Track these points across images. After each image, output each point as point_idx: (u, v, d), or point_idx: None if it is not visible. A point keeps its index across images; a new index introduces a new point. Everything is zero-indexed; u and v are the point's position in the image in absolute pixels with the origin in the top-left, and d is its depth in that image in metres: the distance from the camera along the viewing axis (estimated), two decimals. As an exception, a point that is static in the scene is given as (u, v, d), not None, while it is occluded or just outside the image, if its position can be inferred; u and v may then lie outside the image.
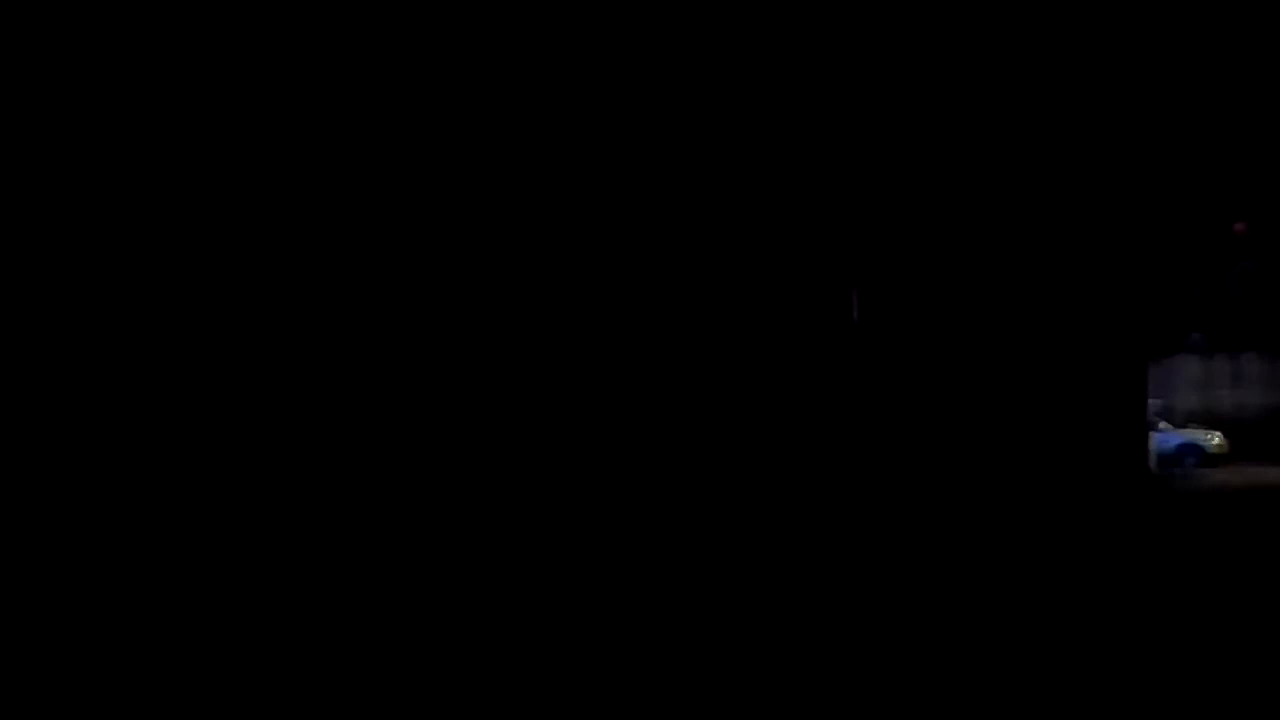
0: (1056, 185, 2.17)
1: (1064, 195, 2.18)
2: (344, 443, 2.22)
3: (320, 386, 2.18)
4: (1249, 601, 2.10)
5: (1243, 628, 1.96)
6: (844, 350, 2.24)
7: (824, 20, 2.05)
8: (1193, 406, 13.40)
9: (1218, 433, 12.05)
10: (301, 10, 1.67)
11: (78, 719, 1.63)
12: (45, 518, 1.99)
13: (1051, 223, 2.18)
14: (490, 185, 1.97)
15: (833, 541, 2.18)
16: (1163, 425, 11.69)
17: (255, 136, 1.64)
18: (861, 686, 1.80)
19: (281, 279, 2.07)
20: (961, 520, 2.15)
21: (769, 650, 1.94)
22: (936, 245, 2.20)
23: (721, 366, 2.22)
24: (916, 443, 2.24)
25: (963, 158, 2.14)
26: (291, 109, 1.68)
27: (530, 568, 2.07)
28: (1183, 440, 11.71)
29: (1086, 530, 2.18)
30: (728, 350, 2.23)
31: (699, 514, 2.13)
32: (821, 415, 2.28)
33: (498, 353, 2.02)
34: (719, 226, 2.21)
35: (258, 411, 2.16)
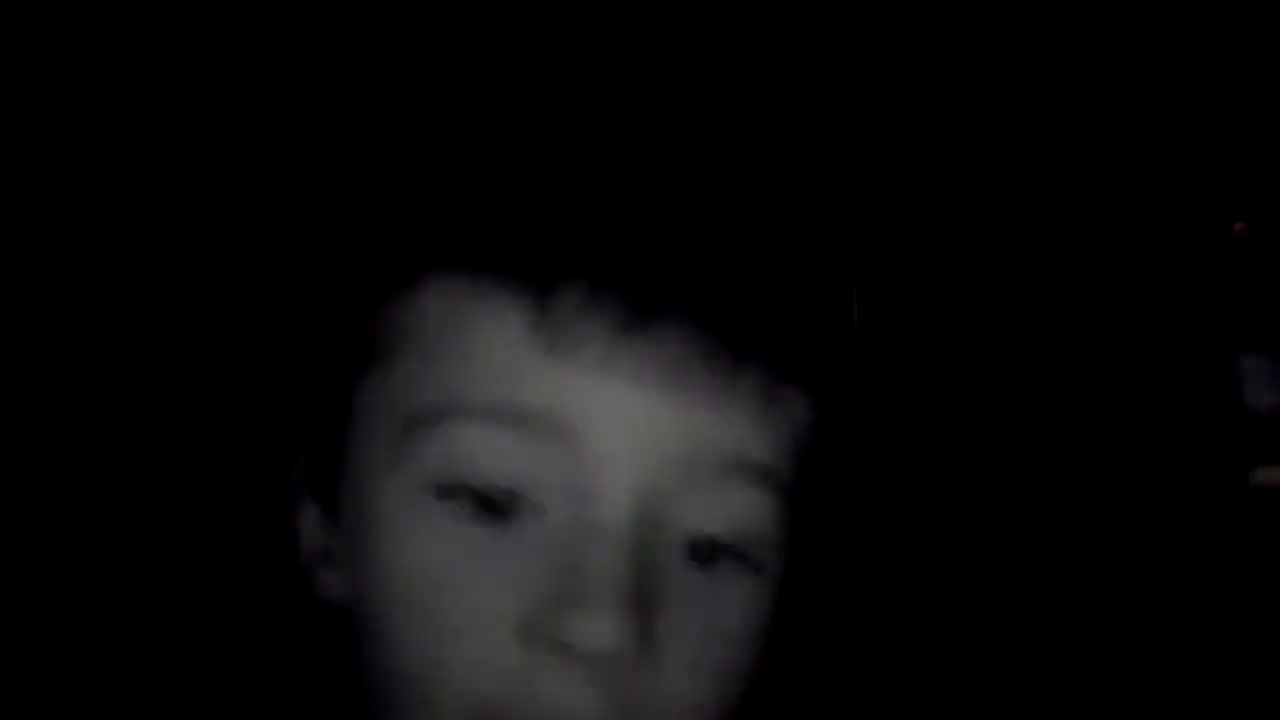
0: (1056, 185, 2.17)
1: (1063, 195, 2.18)
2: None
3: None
4: (1249, 602, 2.09)
5: (1244, 628, 1.96)
6: (843, 350, 2.24)
7: (824, 19, 2.05)
8: (1193, 406, 13.33)
9: (1218, 432, 11.99)
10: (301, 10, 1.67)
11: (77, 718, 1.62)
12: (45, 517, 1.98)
13: (1051, 222, 2.18)
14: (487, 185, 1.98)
15: (836, 545, 2.17)
16: (1163, 425, 11.65)
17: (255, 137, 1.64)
18: (863, 692, 1.80)
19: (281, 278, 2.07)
20: (961, 521, 2.15)
21: (783, 652, 1.93)
22: (935, 244, 2.20)
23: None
24: (914, 442, 2.24)
25: (961, 157, 2.13)
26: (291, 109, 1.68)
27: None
28: (1183, 440, 11.65)
29: (1088, 532, 2.19)
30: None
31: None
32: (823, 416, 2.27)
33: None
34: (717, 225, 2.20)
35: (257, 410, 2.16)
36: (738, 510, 0.42)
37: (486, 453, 0.40)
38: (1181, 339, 2.15)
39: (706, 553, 0.42)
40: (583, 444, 0.40)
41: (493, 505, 0.40)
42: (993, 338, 2.15)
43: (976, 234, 2.15)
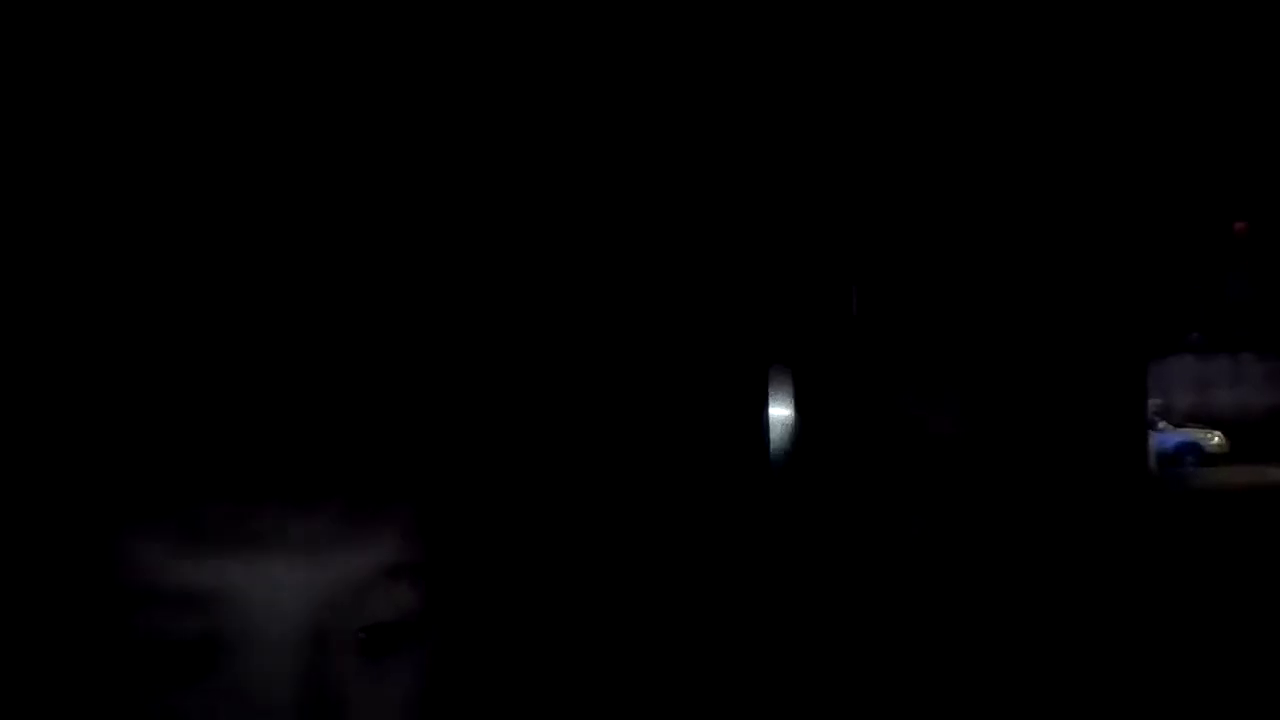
0: (1056, 184, 2.17)
1: (1064, 194, 2.19)
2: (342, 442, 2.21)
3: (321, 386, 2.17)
4: (1249, 602, 2.10)
5: (1243, 629, 1.96)
6: (842, 348, 2.24)
7: (823, 18, 2.05)
8: (1193, 406, 13.36)
9: (1218, 433, 12.03)
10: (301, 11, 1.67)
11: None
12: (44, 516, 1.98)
13: (1051, 221, 2.19)
14: (490, 185, 1.98)
15: (831, 541, 2.18)
16: (1162, 425, 11.66)
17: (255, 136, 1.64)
18: (854, 687, 1.80)
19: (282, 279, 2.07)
20: (960, 520, 2.15)
21: (765, 652, 1.94)
22: (936, 243, 2.20)
23: (718, 364, 2.22)
24: (912, 440, 2.24)
25: (962, 156, 2.14)
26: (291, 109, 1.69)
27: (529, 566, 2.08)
28: (1182, 440, 11.69)
29: (1088, 529, 2.19)
30: (725, 347, 2.23)
31: (693, 513, 2.13)
32: (821, 412, 2.28)
33: (495, 353, 2.03)
34: (717, 223, 2.21)
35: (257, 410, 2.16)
36: (387, 602, 0.54)
37: (175, 626, 0.51)
38: (1179, 338, 2.14)
39: (374, 645, 0.53)
40: (252, 609, 0.51)
41: (193, 663, 0.50)
42: (990, 337, 2.15)
43: (976, 234, 2.15)
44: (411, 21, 1.62)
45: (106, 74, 1.44)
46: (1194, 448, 11.29)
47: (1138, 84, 1.94)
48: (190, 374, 0.58)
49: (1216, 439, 11.46)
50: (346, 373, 0.63)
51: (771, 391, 2.36)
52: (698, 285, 2.20)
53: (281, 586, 0.52)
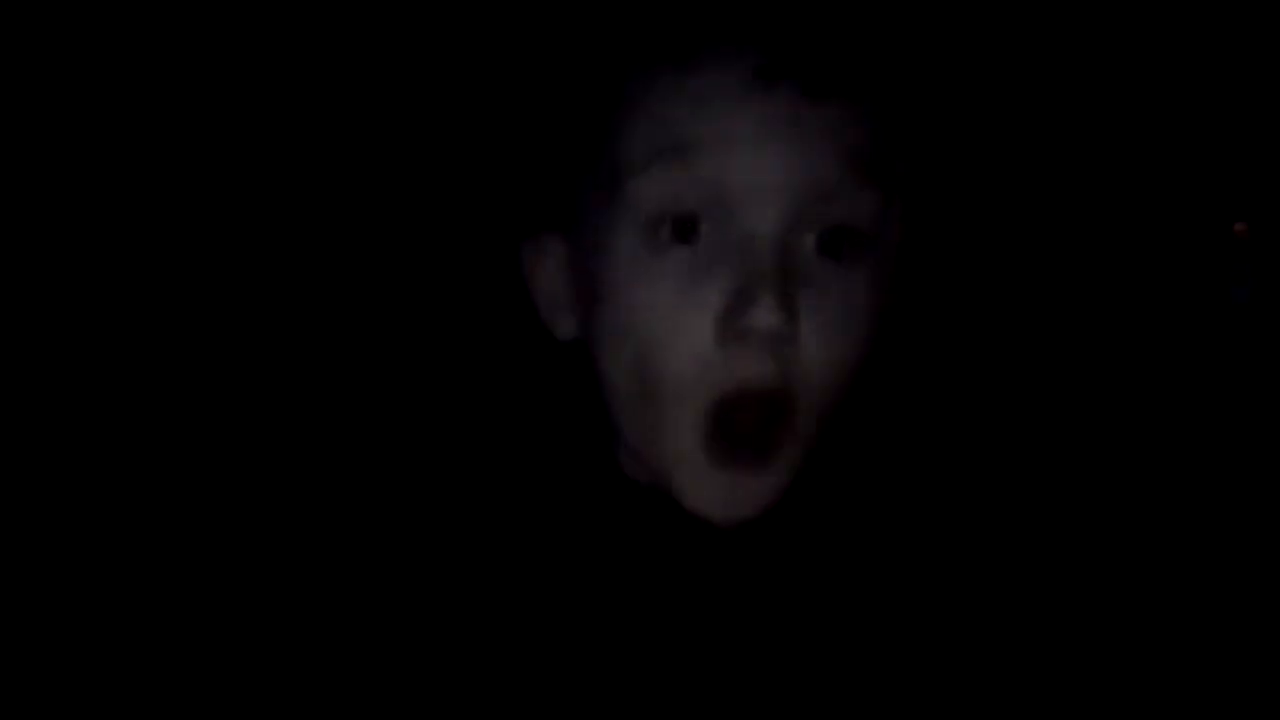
0: (1057, 183, 2.17)
1: (1065, 195, 2.19)
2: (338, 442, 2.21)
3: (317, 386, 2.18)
4: (1248, 599, 2.10)
5: (1241, 626, 1.96)
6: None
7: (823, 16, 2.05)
8: (1192, 406, 13.32)
9: (1218, 433, 12.00)
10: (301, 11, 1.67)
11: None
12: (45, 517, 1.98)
13: (1052, 223, 2.19)
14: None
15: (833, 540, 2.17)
16: (1162, 425, 11.63)
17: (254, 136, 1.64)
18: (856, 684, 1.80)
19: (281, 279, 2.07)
20: (959, 517, 2.15)
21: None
22: (936, 241, 2.20)
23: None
24: (910, 439, 2.24)
25: (961, 157, 2.14)
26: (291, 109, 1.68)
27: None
28: (1182, 440, 11.67)
29: (1092, 527, 2.19)
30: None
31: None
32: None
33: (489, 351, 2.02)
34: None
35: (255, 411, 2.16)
36: (856, 205, 0.54)
37: (677, 190, 0.52)
38: (1182, 337, 2.14)
39: (834, 244, 0.54)
40: (737, 174, 0.52)
41: (682, 231, 0.52)
42: (989, 339, 2.15)
43: (974, 236, 2.15)
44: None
45: (105, 74, 1.44)
46: (1194, 448, 11.29)
47: (1138, 84, 1.94)
48: None
49: (1217, 440, 11.44)
50: None
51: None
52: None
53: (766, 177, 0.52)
